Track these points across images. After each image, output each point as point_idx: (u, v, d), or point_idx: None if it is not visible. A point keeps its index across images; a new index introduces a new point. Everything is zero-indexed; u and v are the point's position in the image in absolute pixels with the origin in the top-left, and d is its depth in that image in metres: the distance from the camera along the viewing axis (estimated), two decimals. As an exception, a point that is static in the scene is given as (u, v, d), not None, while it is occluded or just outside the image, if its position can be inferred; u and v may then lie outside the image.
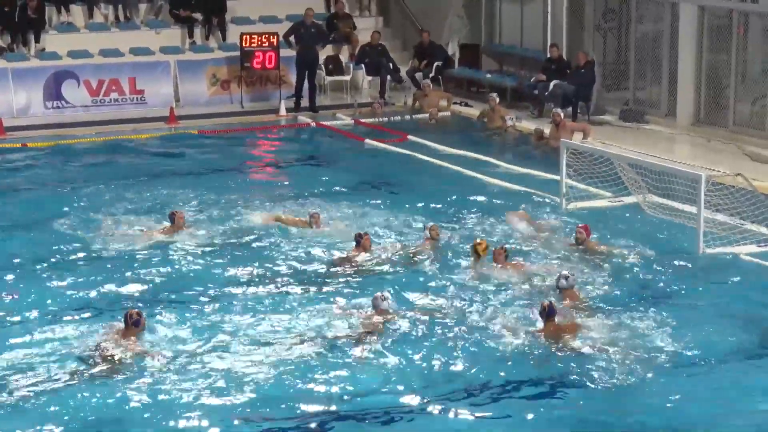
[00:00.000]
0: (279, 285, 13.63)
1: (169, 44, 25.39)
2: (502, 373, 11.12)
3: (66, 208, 16.79)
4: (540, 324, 11.81)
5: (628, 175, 16.14)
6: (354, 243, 14.58)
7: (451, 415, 10.38)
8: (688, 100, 21.85)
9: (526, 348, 11.60)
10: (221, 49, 25.46)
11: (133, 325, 11.53)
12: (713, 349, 11.60)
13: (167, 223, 15.66)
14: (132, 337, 11.46)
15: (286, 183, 19.00)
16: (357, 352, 11.48)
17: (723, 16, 21.29)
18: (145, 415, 10.27)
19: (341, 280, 13.75)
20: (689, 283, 13.51)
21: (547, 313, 11.75)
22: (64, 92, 23.67)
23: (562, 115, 20.85)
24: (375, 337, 11.80)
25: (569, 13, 23.99)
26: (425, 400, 10.59)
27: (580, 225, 14.89)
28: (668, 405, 10.45)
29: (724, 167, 17.07)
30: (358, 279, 13.79)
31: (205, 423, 10.16)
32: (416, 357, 11.46)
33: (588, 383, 10.87)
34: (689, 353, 11.48)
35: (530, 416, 10.33)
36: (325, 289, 13.46)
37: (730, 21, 21.11)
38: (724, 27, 21.28)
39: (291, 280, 13.77)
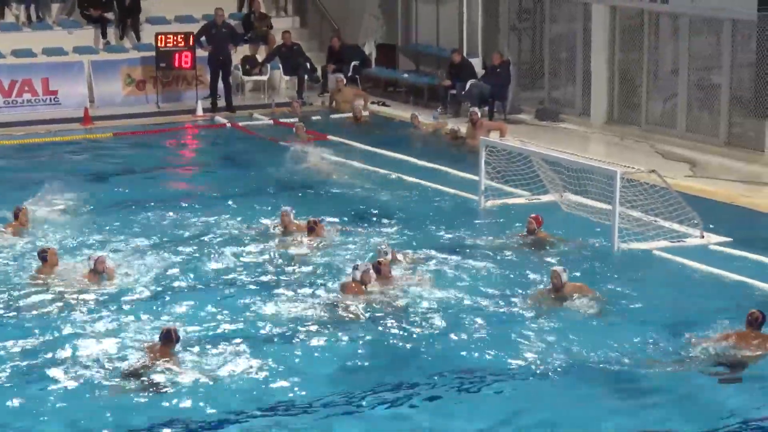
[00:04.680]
0: (234, 280, 13.81)
1: (82, 44, 25.22)
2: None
3: None
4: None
5: (546, 173, 16.28)
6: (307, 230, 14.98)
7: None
8: (602, 99, 22.15)
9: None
10: (136, 49, 25.37)
11: (166, 341, 11.33)
12: (622, 346, 11.73)
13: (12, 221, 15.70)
14: (167, 353, 11.31)
15: (202, 184, 18.97)
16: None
17: (634, 16, 21.59)
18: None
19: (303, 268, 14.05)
20: (604, 278, 13.62)
21: (760, 322, 11.43)
22: None
23: (479, 114, 20.99)
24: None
25: (484, 13, 24.20)
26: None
27: (533, 215, 15.06)
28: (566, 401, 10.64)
29: (638, 165, 17.19)
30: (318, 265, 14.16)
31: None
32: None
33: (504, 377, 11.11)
34: (597, 351, 11.58)
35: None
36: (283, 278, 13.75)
37: (642, 21, 21.43)
38: (636, 27, 21.60)
39: (243, 275, 13.95)
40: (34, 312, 12.82)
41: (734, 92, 20.01)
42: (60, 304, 13.01)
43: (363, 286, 12.99)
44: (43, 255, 13.91)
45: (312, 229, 14.98)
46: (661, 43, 21.40)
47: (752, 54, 19.29)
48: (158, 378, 10.93)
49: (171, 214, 16.57)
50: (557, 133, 21.70)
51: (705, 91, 20.63)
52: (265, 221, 16.02)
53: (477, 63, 23.81)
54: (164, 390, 10.77)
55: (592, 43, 22.12)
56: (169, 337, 11.33)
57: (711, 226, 15.27)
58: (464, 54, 23.82)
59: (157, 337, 11.58)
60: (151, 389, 10.79)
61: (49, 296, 13.23)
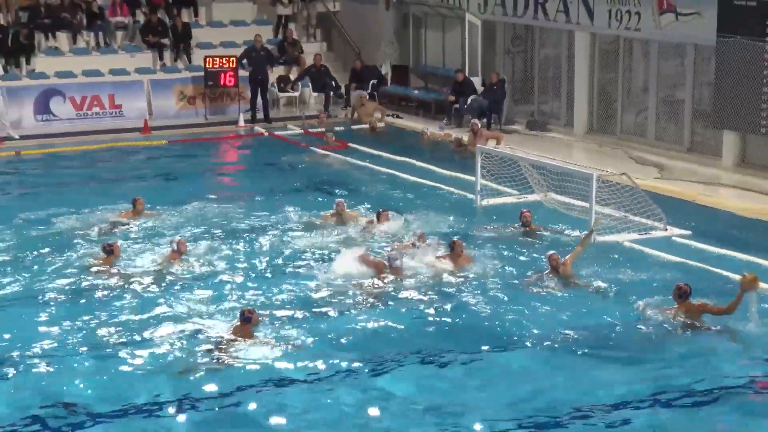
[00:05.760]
0: (302, 262, 13.74)
1: (142, 66, 25.25)
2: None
3: (58, 208, 16.58)
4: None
5: (532, 176, 16.25)
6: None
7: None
8: (583, 112, 22.11)
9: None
10: (188, 70, 25.36)
11: (245, 322, 11.12)
12: (601, 319, 11.80)
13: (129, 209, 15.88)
14: (245, 332, 11.10)
15: (247, 184, 19.03)
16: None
17: (611, 41, 21.56)
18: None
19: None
20: (582, 265, 13.43)
21: (688, 294, 11.60)
22: (52, 107, 23.50)
23: (479, 125, 20.98)
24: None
25: (483, 39, 24.14)
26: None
27: (524, 210, 15.04)
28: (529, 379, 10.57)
29: (613, 168, 17.21)
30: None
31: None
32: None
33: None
34: (574, 325, 11.61)
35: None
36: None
37: (617, 46, 21.41)
38: (612, 51, 21.59)
39: (308, 259, 13.88)
40: (111, 293, 12.67)
41: (696, 107, 19.99)
42: (143, 284, 12.93)
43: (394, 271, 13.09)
44: (110, 249, 13.61)
45: (378, 217, 15.06)
46: (634, 64, 21.37)
47: (711, 74, 19.25)
48: (238, 354, 10.77)
49: (223, 208, 16.50)
50: (545, 142, 21.64)
51: (671, 105, 20.59)
52: (320, 212, 15.91)
53: (477, 81, 23.79)
54: (245, 365, 10.64)
55: (575, 65, 22.10)
56: (247, 318, 11.10)
57: (675, 220, 15.23)
58: (466, 73, 23.80)
59: (236, 317, 11.38)
60: (230, 365, 10.62)
61: (133, 277, 13.14)
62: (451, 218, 15.88)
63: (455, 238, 13.78)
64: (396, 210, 15.95)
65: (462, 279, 13.06)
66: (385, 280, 12.88)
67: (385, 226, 14.96)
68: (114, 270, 13.35)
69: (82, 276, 13.29)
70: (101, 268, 13.38)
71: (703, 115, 19.82)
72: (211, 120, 24.38)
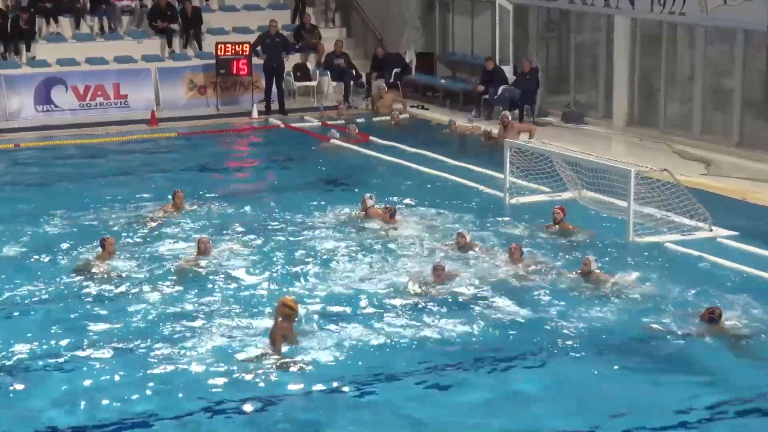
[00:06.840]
0: (328, 259, 13.84)
1: (150, 53, 25.30)
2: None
3: (56, 203, 16.55)
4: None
5: (565, 172, 16.07)
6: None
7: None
8: (623, 103, 22.02)
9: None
10: (198, 57, 25.42)
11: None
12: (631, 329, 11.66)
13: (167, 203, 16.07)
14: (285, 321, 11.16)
15: (257, 180, 19.01)
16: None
17: (653, 26, 21.44)
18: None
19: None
20: (622, 266, 13.36)
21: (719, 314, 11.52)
22: (53, 97, 23.58)
23: (509, 116, 20.87)
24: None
25: (515, 24, 24.11)
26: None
27: (556, 206, 14.97)
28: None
29: (655, 164, 16.99)
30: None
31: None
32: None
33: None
34: (607, 334, 11.54)
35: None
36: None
37: (660, 31, 21.25)
38: (655, 36, 21.45)
39: (335, 256, 13.97)
40: (110, 289, 12.76)
41: (746, 96, 19.79)
42: (172, 282, 13.01)
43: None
44: (102, 243, 13.75)
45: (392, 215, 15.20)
46: (679, 51, 21.22)
47: (763, 62, 19.12)
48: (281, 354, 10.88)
49: (245, 204, 16.51)
50: (581, 135, 21.49)
51: (719, 95, 20.44)
52: (343, 208, 15.97)
53: (508, 70, 23.70)
54: (285, 359, 10.77)
55: (614, 51, 21.98)
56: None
57: (722, 220, 15.02)
58: (496, 62, 23.67)
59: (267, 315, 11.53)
60: (273, 366, 10.72)
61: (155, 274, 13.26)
62: (478, 217, 15.70)
63: (514, 244, 13.77)
64: (407, 207, 16.10)
65: (522, 283, 13.03)
66: (433, 284, 12.88)
67: (391, 225, 15.10)
68: (106, 265, 13.42)
69: (83, 274, 13.30)
70: (98, 264, 13.46)
71: (754, 105, 19.68)
72: (223, 111, 24.36)
